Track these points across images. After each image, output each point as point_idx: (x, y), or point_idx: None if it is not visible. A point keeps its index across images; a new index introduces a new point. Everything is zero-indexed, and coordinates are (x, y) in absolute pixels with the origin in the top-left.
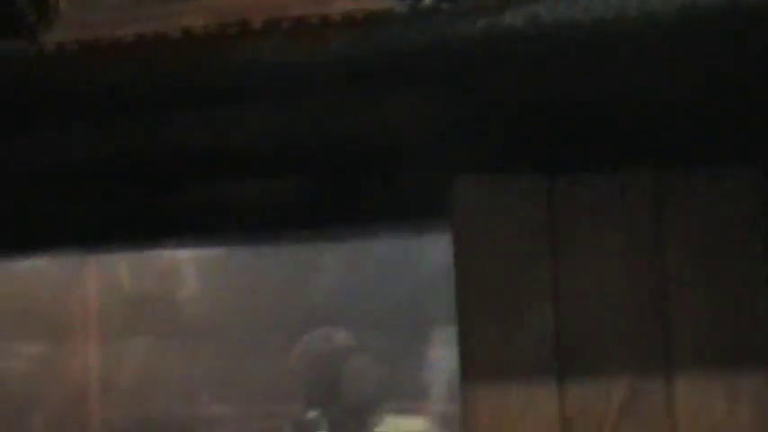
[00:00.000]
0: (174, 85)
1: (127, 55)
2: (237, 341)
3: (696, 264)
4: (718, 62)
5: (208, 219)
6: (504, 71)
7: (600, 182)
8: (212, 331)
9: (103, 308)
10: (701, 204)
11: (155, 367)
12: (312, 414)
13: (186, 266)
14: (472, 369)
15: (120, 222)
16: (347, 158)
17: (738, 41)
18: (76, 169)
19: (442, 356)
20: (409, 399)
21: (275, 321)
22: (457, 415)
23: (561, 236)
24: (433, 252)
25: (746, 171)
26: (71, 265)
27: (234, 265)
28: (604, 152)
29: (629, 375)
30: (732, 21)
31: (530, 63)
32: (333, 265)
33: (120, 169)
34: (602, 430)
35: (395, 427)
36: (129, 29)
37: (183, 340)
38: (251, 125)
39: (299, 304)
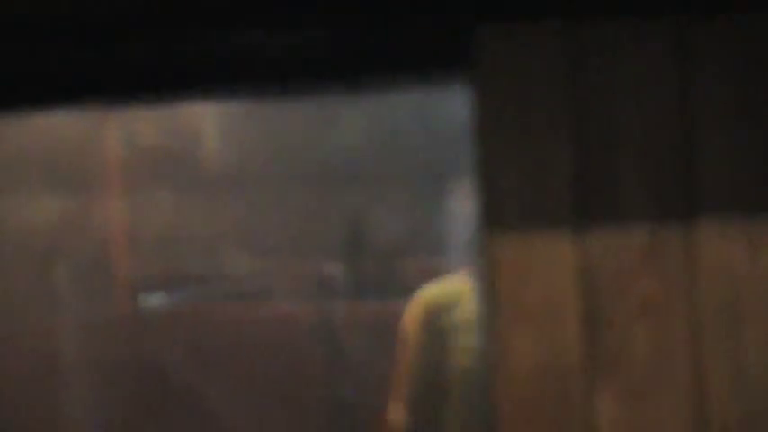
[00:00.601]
0: None
1: None
2: (259, 195)
3: (721, 106)
4: None
5: (229, 73)
6: None
7: (621, 25)
8: (234, 186)
9: (126, 162)
10: (725, 46)
11: (177, 221)
12: (334, 266)
13: (208, 120)
14: (492, 219)
15: (141, 76)
16: (368, 10)
17: None
18: (97, 23)
19: (463, 208)
20: (431, 251)
21: (297, 175)
22: (477, 265)
23: (582, 82)
24: (452, 104)
25: None
26: (92, 120)
27: (255, 120)
28: None
29: (650, 222)
30: None
31: None
32: (353, 119)
33: (140, 22)
34: (621, 278)
35: (439, 288)
36: None
37: (206, 195)
38: None
39: (320, 158)
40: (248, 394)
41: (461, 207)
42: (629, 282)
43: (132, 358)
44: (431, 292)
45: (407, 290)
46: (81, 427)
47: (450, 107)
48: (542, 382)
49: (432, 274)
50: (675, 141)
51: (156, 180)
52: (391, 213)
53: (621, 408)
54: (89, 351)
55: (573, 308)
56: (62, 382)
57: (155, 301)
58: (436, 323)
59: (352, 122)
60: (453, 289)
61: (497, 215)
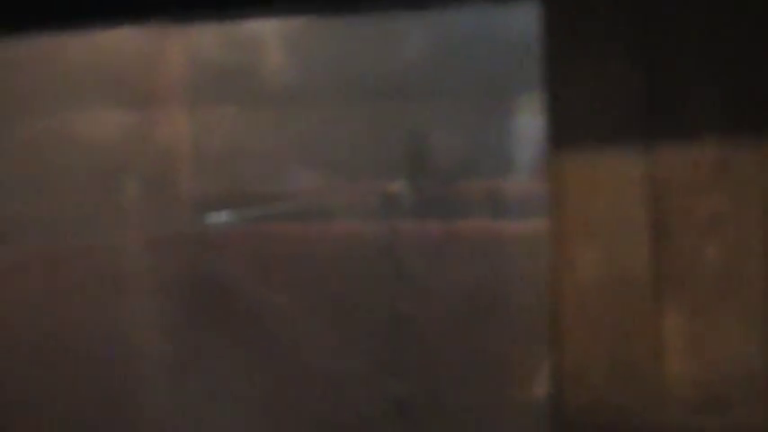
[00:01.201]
0: None
1: None
2: (322, 112)
3: None
4: None
5: None
6: None
7: None
8: (297, 102)
9: (190, 78)
10: None
11: (241, 138)
12: (398, 185)
13: (271, 36)
14: (561, 135)
15: None
16: None
17: None
18: None
19: (530, 126)
20: (496, 168)
21: (360, 91)
22: (545, 183)
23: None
24: (519, 17)
25: None
26: (156, 36)
27: (318, 34)
28: None
29: (722, 137)
30: None
31: None
32: (418, 33)
33: None
34: (692, 193)
35: None
36: None
37: (269, 111)
38: None
39: (383, 73)
40: (310, 313)
41: (528, 124)
42: (699, 197)
43: (195, 275)
44: None
45: (472, 209)
46: (144, 341)
47: (517, 20)
48: (608, 294)
49: (497, 193)
50: (750, 53)
51: (221, 96)
52: (456, 131)
53: (688, 322)
54: (153, 267)
55: (641, 222)
56: (126, 296)
57: (218, 218)
58: None
59: (416, 36)
60: None
61: (566, 131)
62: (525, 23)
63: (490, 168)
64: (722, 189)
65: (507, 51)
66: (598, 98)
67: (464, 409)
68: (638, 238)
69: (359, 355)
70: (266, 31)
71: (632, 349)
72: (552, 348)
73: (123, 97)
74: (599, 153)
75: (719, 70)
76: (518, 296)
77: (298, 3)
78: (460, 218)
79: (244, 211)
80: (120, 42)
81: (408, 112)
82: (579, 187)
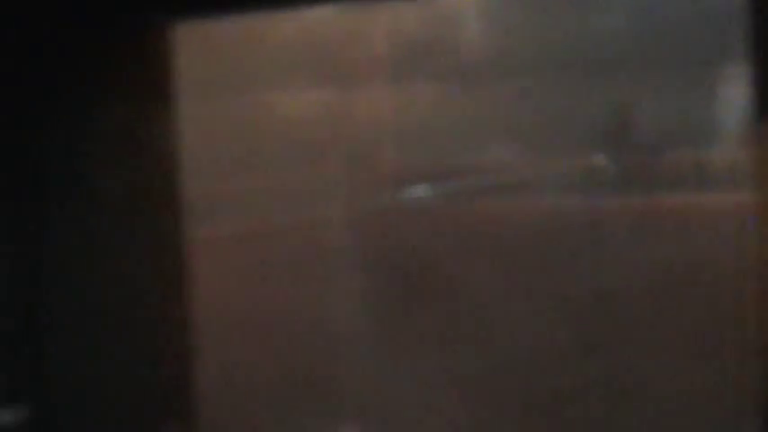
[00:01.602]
0: None
1: None
2: (522, 85)
3: None
4: None
5: None
6: None
7: None
8: (496, 75)
9: (391, 53)
10: None
11: (441, 112)
12: (599, 158)
13: (469, 9)
14: (766, 105)
15: None
16: None
17: None
18: None
19: (735, 96)
20: (701, 140)
21: (559, 64)
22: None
23: None
24: None
25: None
26: (359, 13)
27: (518, 6)
28: None
29: None
30: None
31: None
32: (618, 4)
33: None
34: None
35: None
36: None
37: (468, 84)
38: None
39: (583, 44)
40: (509, 289)
41: (733, 94)
42: None
43: (396, 250)
44: None
45: (675, 182)
46: (346, 316)
47: None
48: None
49: (701, 165)
50: None
51: (420, 71)
52: (659, 102)
53: None
54: (356, 243)
55: None
56: (329, 271)
57: (418, 193)
58: None
59: (618, 6)
60: None
61: None
62: None
63: (695, 140)
64: None
65: (712, 20)
66: None
67: (666, 387)
68: None
69: (559, 333)
70: (465, 3)
71: None
72: (762, 328)
73: (326, 74)
74: None
75: None
76: (723, 271)
77: None
78: (664, 191)
79: (444, 185)
80: (325, 20)
81: (610, 84)
82: None
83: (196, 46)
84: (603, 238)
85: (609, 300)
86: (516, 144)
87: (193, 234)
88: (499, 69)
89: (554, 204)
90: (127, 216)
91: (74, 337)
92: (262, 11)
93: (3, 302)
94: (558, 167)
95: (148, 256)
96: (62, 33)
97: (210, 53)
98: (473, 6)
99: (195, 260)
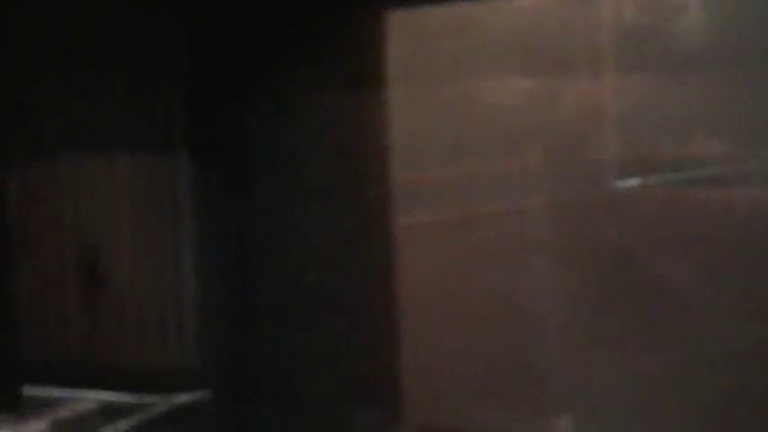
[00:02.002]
0: None
1: None
2: (741, 74)
3: None
4: None
5: None
6: None
7: None
8: (713, 65)
9: (603, 42)
10: None
11: (654, 101)
12: None
13: None
14: None
15: None
16: None
17: None
18: None
19: None
20: None
21: None
22: None
23: None
24: None
25: None
26: (576, 1)
27: None
28: None
29: None
30: None
31: None
32: None
33: None
34: None
35: None
36: None
37: (684, 73)
38: None
39: None
40: (719, 286)
41: None
42: None
43: (600, 241)
44: None
45: None
46: (546, 308)
47: None
48: None
49: None
50: None
51: (633, 59)
52: None
53: None
54: (558, 232)
55: None
56: (530, 261)
57: (628, 183)
58: None
59: None
60: None
61: None
62: None
63: None
64: None
65: None
66: None
67: None
68: None
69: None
70: None
71: None
72: None
73: (533, 63)
74: None
75: None
76: None
77: None
78: None
79: (653, 176)
80: (541, 7)
81: None
82: None
83: (407, 33)
84: None
85: None
86: (733, 135)
87: (398, 221)
88: (717, 58)
89: (765, 196)
90: (335, 204)
91: (278, 325)
92: None
93: (216, 292)
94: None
95: (356, 244)
96: (274, 21)
97: (421, 40)
98: None
99: (400, 247)
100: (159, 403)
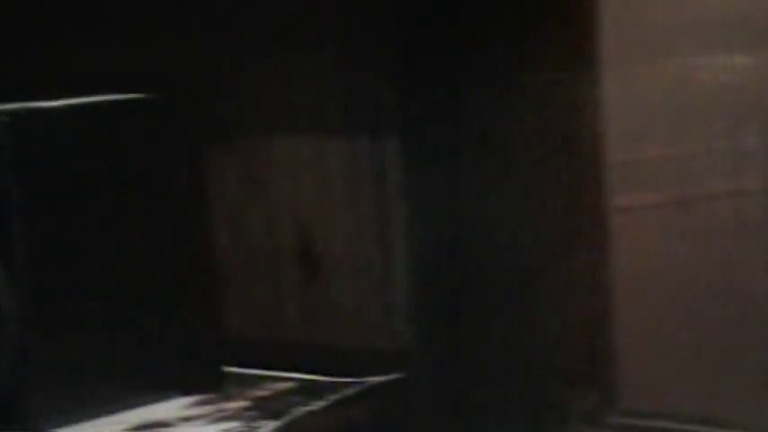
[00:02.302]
0: None
1: None
2: None
3: None
4: None
5: None
6: None
7: None
8: None
9: None
10: None
11: None
12: None
13: None
14: None
15: None
16: None
17: None
18: None
19: None
20: None
21: None
22: None
23: None
24: None
25: None
26: None
27: None
28: None
29: None
30: None
31: None
32: None
33: None
34: None
35: None
36: None
37: None
38: None
39: None
40: None
41: None
42: None
43: None
44: None
45: None
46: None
47: None
48: None
49: None
50: None
51: None
52: None
53: None
54: None
55: None
56: (748, 243)
57: None
58: None
59: None
60: None
61: None
62: None
63: None
64: None
65: None
66: None
67: None
68: None
69: None
70: None
71: None
72: None
73: (753, 37)
74: None
75: None
76: None
77: None
78: None
79: None
80: None
81: None
82: None
83: (621, 7)
84: None
85: None
86: None
87: (612, 202)
88: None
89: None
90: (546, 184)
91: (488, 307)
92: None
93: (426, 275)
94: None
95: (568, 224)
96: None
97: (636, 14)
98: None
99: (613, 229)
100: (357, 384)
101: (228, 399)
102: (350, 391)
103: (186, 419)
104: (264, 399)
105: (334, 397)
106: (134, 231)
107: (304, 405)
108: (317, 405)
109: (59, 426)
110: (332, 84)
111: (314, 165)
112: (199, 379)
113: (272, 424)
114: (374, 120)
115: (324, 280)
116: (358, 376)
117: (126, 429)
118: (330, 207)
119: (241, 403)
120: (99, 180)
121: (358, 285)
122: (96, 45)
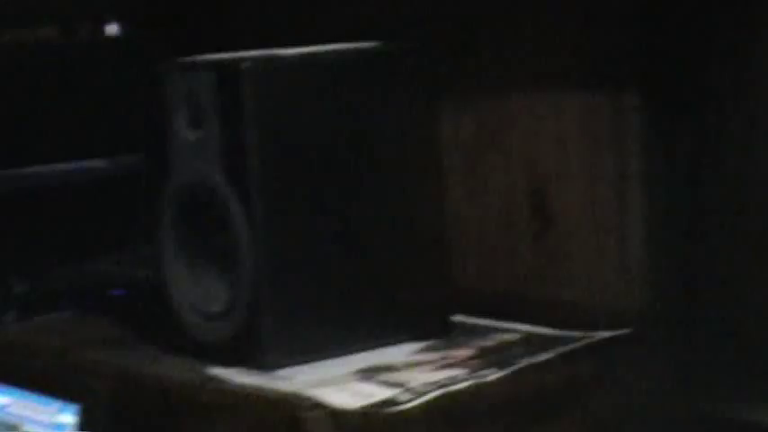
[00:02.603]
0: None
1: None
2: None
3: None
4: None
5: None
6: None
7: None
8: None
9: None
10: None
11: None
12: None
13: None
14: None
15: None
16: None
17: None
18: None
19: None
20: None
21: None
22: None
23: None
24: None
25: None
26: None
27: None
28: None
29: None
30: None
31: None
32: None
33: None
34: None
35: None
36: None
37: None
38: None
39: None
40: None
41: None
42: None
43: None
44: None
45: None
46: None
47: None
48: None
49: None
50: None
51: None
52: None
53: None
54: None
55: None
56: None
57: None
58: None
59: None
60: None
61: None
62: None
63: None
64: None
65: None
66: None
67: None
68: None
69: None
70: None
71: None
72: None
73: None
74: None
75: None
76: None
77: None
78: None
79: None
80: None
81: None
82: None
83: None
84: None
85: None
86: None
87: None
88: None
89: None
90: None
91: (729, 267)
92: None
93: (662, 233)
94: None
95: None
96: None
97: None
98: None
99: None
100: (583, 337)
101: (455, 346)
102: (577, 345)
103: (412, 365)
104: (490, 348)
105: (561, 350)
106: (368, 179)
107: (530, 356)
108: (543, 357)
109: (291, 364)
110: (573, 41)
111: (550, 120)
112: (427, 326)
113: (498, 374)
114: (613, 75)
115: (557, 234)
116: (586, 330)
117: (354, 371)
118: (566, 162)
119: (467, 351)
120: (334, 127)
121: (592, 241)
122: None
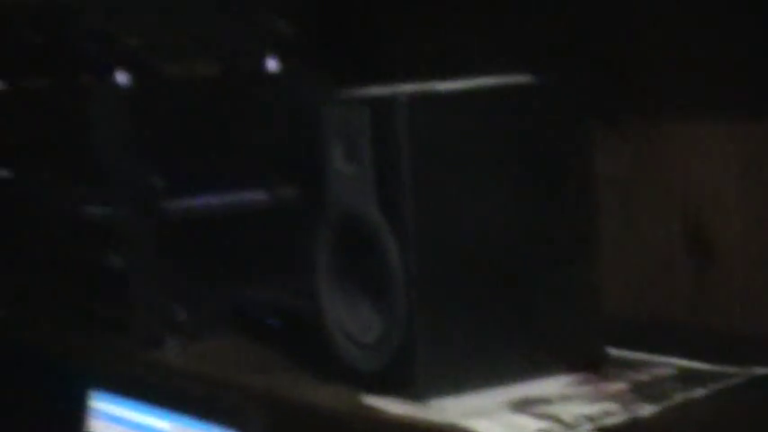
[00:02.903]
0: None
1: None
2: None
3: None
4: None
5: None
6: None
7: None
8: None
9: None
10: None
11: None
12: None
13: None
14: None
15: None
16: None
17: None
18: None
19: None
20: None
21: None
22: None
23: None
24: None
25: None
26: None
27: None
28: None
29: None
30: None
31: None
32: None
33: None
34: None
35: None
36: None
37: None
38: None
39: None
40: None
41: None
42: None
43: None
44: None
45: None
46: None
47: None
48: None
49: None
50: None
51: None
52: None
53: None
54: None
55: None
56: None
57: None
58: None
59: None
60: None
61: None
62: None
63: None
64: None
65: None
66: None
67: None
68: None
69: None
70: None
71: None
72: None
73: None
74: None
75: None
76: None
77: None
78: None
79: None
80: None
81: None
82: None
83: None
84: None
85: None
86: None
87: None
88: None
89: None
90: None
91: None
92: None
93: None
94: None
95: None
96: None
97: None
98: None
99: None
100: (741, 373)
101: (608, 379)
102: (735, 381)
103: (566, 397)
104: (644, 382)
105: (717, 386)
106: (525, 210)
107: (686, 392)
108: (699, 393)
109: (444, 395)
110: (731, 66)
111: (710, 149)
112: (581, 358)
113: (653, 409)
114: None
115: (715, 266)
116: (744, 366)
117: (507, 402)
118: (724, 192)
119: (620, 385)
120: (488, 161)
121: (752, 273)
122: (486, 24)
